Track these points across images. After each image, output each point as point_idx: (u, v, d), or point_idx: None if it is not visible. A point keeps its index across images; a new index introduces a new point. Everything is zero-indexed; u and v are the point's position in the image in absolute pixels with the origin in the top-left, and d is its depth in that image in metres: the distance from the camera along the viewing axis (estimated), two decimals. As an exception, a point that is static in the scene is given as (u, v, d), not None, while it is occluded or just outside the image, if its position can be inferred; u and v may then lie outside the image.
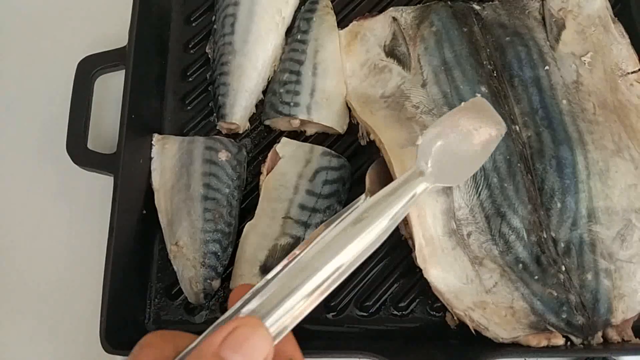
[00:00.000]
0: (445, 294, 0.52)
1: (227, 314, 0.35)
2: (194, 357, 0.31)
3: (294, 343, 0.35)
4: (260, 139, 0.64)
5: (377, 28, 0.63)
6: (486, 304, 0.51)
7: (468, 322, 0.51)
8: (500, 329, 0.50)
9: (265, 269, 0.54)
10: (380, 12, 0.64)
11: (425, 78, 0.58)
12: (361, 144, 0.62)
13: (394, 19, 0.62)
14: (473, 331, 0.51)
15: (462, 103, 0.50)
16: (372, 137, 0.57)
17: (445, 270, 0.52)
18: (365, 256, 0.40)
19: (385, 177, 0.52)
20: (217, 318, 0.59)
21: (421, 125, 0.55)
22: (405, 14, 0.62)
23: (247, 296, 0.35)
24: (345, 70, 0.62)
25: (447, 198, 0.53)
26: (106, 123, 0.65)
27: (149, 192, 0.60)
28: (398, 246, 0.57)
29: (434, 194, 0.53)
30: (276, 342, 0.34)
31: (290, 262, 0.37)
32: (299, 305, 0.35)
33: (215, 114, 0.64)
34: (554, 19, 0.61)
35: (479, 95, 0.56)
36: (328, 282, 0.37)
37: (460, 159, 0.47)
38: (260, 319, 0.34)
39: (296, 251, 0.38)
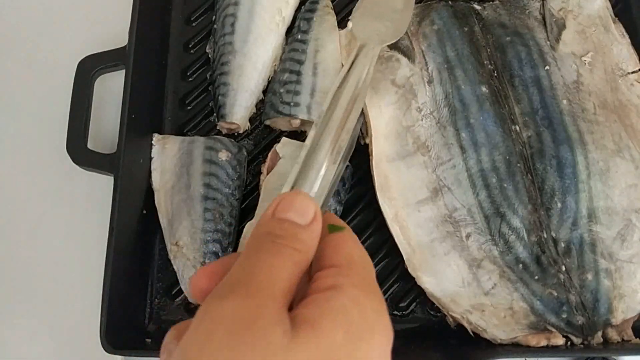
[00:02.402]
0: (442, 299, 0.52)
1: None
2: (255, 230, 0.34)
3: (334, 216, 0.38)
4: (260, 139, 0.64)
5: (377, 25, 0.62)
6: (485, 306, 0.51)
7: (466, 325, 0.51)
8: (499, 330, 0.50)
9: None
10: (380, 11, 0.64)
11: (430, 75, 0.58)
12: (361, 143, 0.61)
13: (394, 16, 0.62)
14: (471, 333, 0.51)
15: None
16: (367, 140, 0.57)
17: (439, 276, 0.52)
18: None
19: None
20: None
21: (415, 137, 0.56)
22: (406, 12, 0.62)
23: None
24: None
25: (434, 205, 0.54)
26: (106, 123, 0.65)
27: (149, 192, 0.60)
28: (398, 247, 0.57)
29: (414, 205, 0.54)
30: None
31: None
32: (325, 174, 0.41)
33: (215, 114, 0.64)
34: (554, 19, 0.61)
35: (479, 95, 0.56)
36: (338, 154, 0.43)
37: (391, 20, 0.55)
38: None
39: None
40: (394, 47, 0.60)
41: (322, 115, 0.44)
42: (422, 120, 0.56)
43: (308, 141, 0.43)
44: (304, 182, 0.41)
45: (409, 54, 0.59)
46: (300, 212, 0.34)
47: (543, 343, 0.50)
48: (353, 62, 0.48)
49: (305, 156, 0.42)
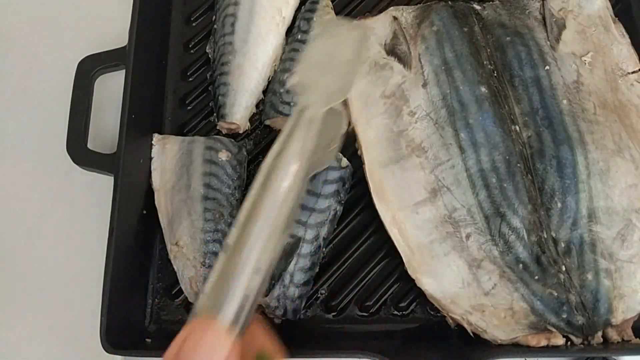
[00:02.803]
0: (442, 300, 0.52)
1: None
2: None
3: (265, 335, 0.33)
4: (260, 139, 0.64)
5: (377, 27, 0.62)
6: (485, 307, 0.51)
7: (466, 326, 0.51)
8: (499, 330, 0.50)
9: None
10: (381, 12, 0.64)
11: (426, 78, 0.58)
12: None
13: (395, 18, 0.62)
14: (471, 334, 0.51)
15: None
16: (359, 151, 0.57)
17: (439, 277, 0.52)
18: (290, 201, 0.38)
19: None
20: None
21: (408, 140, 0.56)
22: (406, 14, 0.62)
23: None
24: None
25: (432, 206, 0.54)
26: (106, 123, 0.65)
27: (149, 192, 0.60)
28: (398, 247, 0.57)
29: (411, 206, 0.54)
30: (238, 331, 0.32)
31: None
32: (247, 286, 0.34)
33: (215, 114, 0.64)
34: (554, 19, 0.61)
35: (478, 95, 0.56)
36: (266, 253, 0.36)
37: (338, 74, 0.47)
38: (213, 315, 0.32)
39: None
40: (391, 53, 0.60)
41: (245, 212, 0.37)
42: (416, 123, 0.56)
43: (230, 240, 0.36)
44: (221, 302, 0.33)
45: (405, 60, 0.59)
46: (208, 355, 0.29)
47: (543, 343, 0.50)
48: (289, 134, 0.41)
49: (223, 262, 0.35)
